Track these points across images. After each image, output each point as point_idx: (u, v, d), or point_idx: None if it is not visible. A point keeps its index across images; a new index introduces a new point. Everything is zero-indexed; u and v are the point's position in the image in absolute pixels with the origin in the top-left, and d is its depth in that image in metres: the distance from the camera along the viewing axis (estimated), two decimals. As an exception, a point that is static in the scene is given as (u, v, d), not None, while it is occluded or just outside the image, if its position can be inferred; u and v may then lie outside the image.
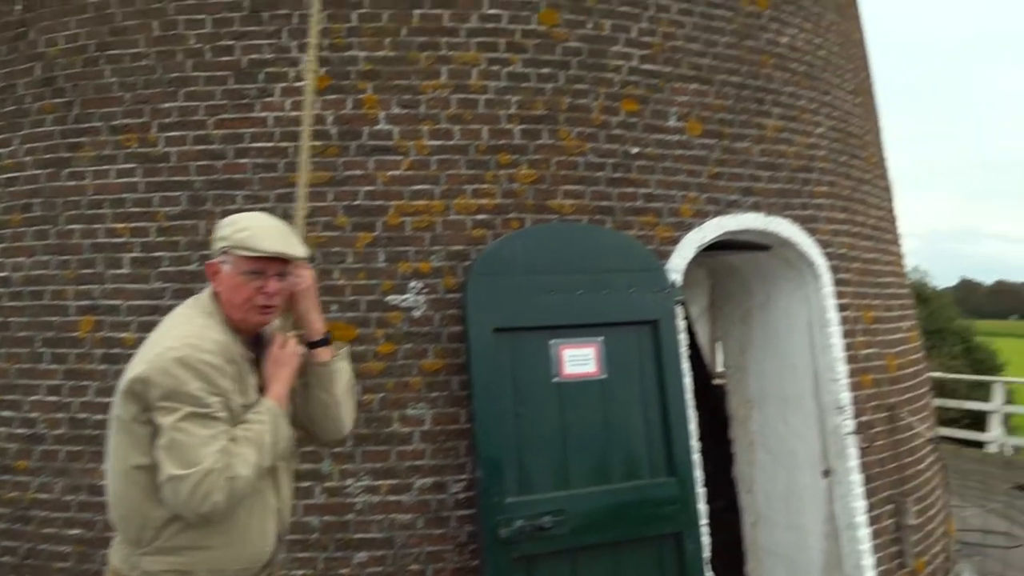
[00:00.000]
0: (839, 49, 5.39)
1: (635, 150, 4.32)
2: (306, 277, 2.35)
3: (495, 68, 4.15)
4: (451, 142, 4.06)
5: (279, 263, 2.23)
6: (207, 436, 2.01)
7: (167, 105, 4.09)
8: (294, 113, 3.96)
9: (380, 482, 3.81)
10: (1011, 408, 13.15)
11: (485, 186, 4.07)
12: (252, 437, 2.10)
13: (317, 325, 2.38)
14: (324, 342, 2.39)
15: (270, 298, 2.22)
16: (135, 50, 4.16)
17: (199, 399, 2.03)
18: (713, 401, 5.77)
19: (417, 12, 4.10)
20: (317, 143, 3.99)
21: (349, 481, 3.79)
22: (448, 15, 4.12)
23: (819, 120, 5.03)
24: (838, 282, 4.86)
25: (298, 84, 3.96)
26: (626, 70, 4.38)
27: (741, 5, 4.74)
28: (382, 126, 4.03)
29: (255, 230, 2.22)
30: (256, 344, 2.32)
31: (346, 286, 3.91)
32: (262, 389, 2.24)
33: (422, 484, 3.83)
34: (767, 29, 4.83)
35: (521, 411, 3.80)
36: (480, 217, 4.04)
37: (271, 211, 2.77)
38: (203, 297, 2.28)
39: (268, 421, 2.16)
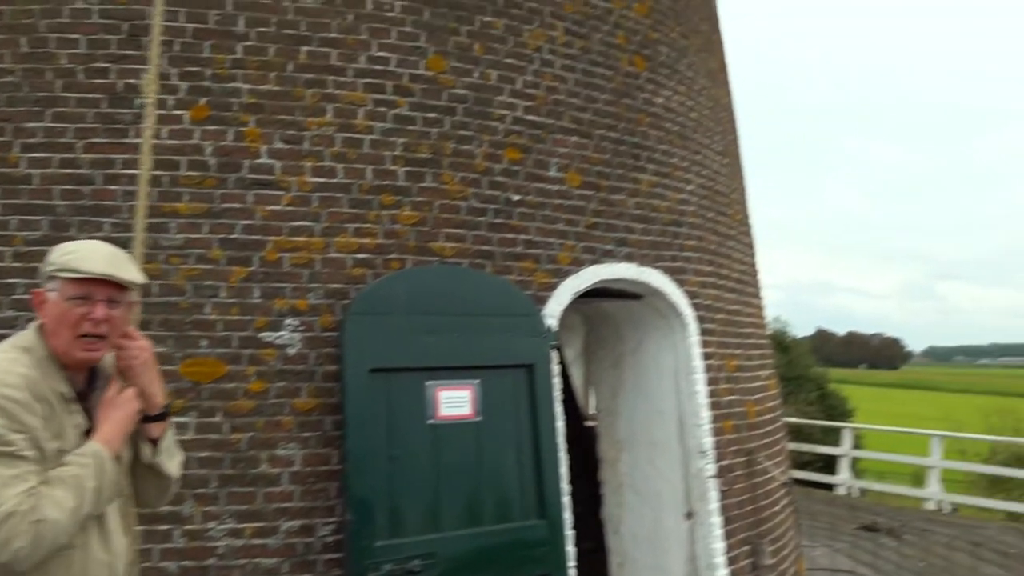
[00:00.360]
0: (709, 112, 5.74)
1: (516, 197, 4.44)
2: (144, 349, 2.17)
3: (381, 109, 4.19)
4: (334, 180, 4.05)
5: (108, 287, 2.05)
6: (8, 476, 1.82)
7: (32, 125, 3.89)
8: (171, 141, 3.86)
9: (245, 525, 3.68)
10: (858, 453, 14.04)
11: (367, 225, 4.07)
12: (68, 479, 1.90)
13: (157, 399, 2.19)
14: (161, 416, 2.22)
15: (97, 325, 2.03)
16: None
17: None
18: (585, 443, 5.90)
19: (304, 49, 4.09)
20: (194, 174, 3.89)
21: (211, 524, 3.65)
22: (336, 54, 4.13)
23: (690, 178, 5.32)
24: (704, 331, 5.11)
25: (176, 112, 3.87)
26: (510, 119, 4.50)
27: (621, 65, 4.98)
28: (264, 160, 3.98)
29: (82, 252, 2.07)
30: (90, 384, 2.14)
31: (218, 321, 3.80)
32: (90, 433, 2.05)
33: (289, 527, 3.73)
34: (644, 89, 5.09)
35: (395, 453, 3.78)
36: (361, 256, 4.03)
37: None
38: (28, 331, 2.09)
39: (91, 464, 1.95)
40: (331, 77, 4.11)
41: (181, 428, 3.50)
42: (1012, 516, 12.17)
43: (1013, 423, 16.94)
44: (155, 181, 3.83)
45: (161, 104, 3.90)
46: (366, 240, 4.05)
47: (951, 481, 13.36)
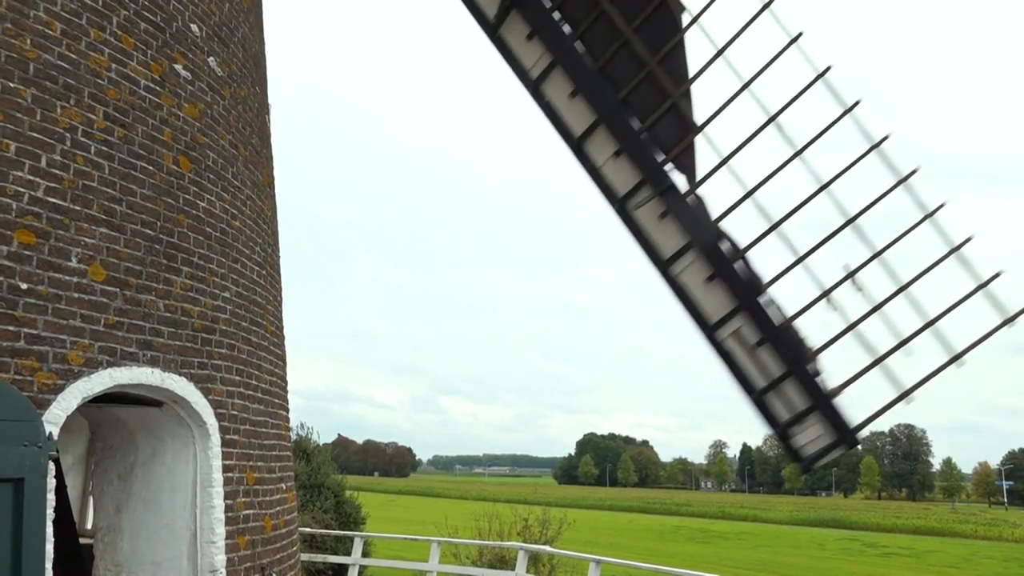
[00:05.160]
0: (252, 222, 5.79)
1: (25, 286, 3.94)
2: None
3: None
4: None
5: None
6: None
7: None
8: None
9: None
10: (366, 560, 14.55)
11: None
12: None
13: None
14: None
15: None
16: None
17: None
18: (77, 565, 5.22)
19: None
20: None
21: None
22: None
23: (227, 285, 5.26)
24: (226, 443, 4.98)
25: None
26: (27, 198, 4.04)
27: (164, 162, 4.82)
28: None
29: None
30: None
31: None
32: None
33: None
34: (187, 191, 4.97)
35: None
36: None
37: None
38: None
39: None
40: None
41: None
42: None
43: (498, 526, 19.13)
44: None
45: None
46: None
47: (446, 583, 14.48)
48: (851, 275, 5.34)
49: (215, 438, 4.86)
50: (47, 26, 4.28)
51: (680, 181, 5.67)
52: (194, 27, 5.30)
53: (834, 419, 5.33)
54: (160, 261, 4.69)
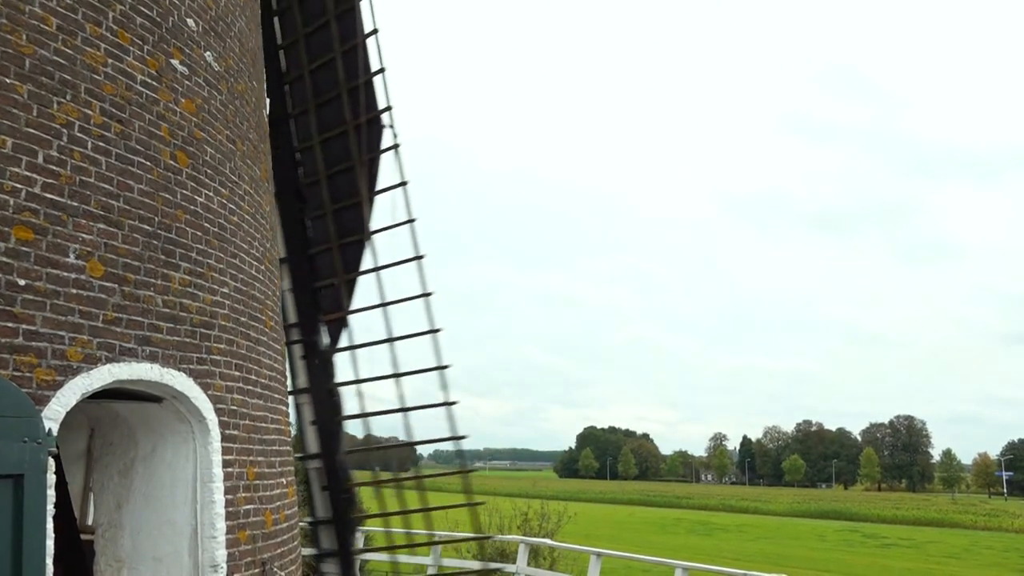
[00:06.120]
0: (251, 217, 5.79)
1: (23, 282, 3.93)
2: None
3: None
4: None
5: None
6: None
7: None
8: None
9: None
10: (367, 555, 14.58)
11: None
12: None
13: None
14: None
15: None
16: None
17: None
18: (78, 561, 5.23)
19: None
20: None
21: None
22: None
23: (225, 280, 5.26)
24: (226, 438, 4.98)
25: None
26: (24, 195, 4.03)
27: (161, 157, 4.81)
28: None
29: None
30: None
31: None
32: None
33: None
34: (184, 186, 4.96)
35: None
36: None
37: None
38: None
39: None
40: None
41: None
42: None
43: (498, 520, 19.20)
44: None
45: None
46: None
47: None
48: (399, 479, 6.97)
49: (215, 433, 4.87)
50: (43, 21, 4.27)
51: (325, 340, 6.80)
52: (190, 22, 5.29)
53: (346, 570, 7.03)
54: (158, 257, 4.69)
